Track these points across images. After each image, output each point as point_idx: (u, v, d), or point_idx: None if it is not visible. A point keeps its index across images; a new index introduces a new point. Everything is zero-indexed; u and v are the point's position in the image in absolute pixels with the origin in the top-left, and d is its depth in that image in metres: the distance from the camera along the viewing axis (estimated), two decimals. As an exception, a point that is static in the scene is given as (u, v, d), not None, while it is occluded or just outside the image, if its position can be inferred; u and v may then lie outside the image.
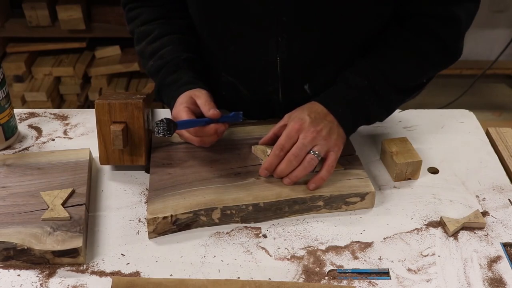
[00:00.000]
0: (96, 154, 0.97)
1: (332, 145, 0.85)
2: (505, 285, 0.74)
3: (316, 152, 0.84)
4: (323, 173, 0.85)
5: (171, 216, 0.80)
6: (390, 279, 0.75)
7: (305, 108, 0.89)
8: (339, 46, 0.94)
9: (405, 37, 0.92)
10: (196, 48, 1.02)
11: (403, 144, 0.94)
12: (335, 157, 0.86)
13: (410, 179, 0.92)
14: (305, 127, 0.85)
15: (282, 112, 0.93)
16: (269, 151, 0.87)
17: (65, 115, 1.10)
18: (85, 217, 0.81)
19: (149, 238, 0.81)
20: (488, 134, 1.04)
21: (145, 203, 0.87)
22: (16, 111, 1.05)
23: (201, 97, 0.90)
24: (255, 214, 0.83)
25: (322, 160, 0.85)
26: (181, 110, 0.89)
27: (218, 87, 1.02)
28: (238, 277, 0.75)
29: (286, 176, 0.85)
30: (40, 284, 0.74)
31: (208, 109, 0.88)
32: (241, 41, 0.95)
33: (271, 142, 0.89)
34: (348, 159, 0.91)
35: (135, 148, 0.90)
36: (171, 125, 0.82)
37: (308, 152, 0.84)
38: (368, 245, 0.80)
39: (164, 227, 0.81)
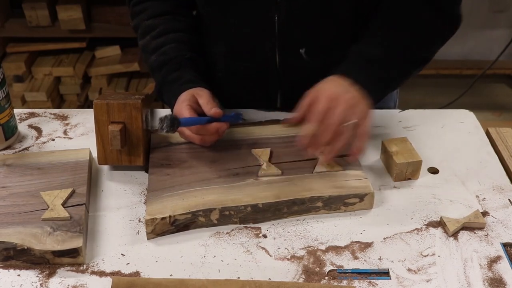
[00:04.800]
0: (95, 154, 0.97)
1: (363, 114, 0.84)
2: (505, 285, 0.74)
3: (350, 122, 0.82)
4: (358, 143, 0.84)
5: (170, 217, 0.80)
6: (390, 279, 0.75)
7: (329, 81, 0.88)
8: (338, 10, 0.95)
9: (402, 10, 0.93)
10: (199, 49, 1.03)
11: (403, 144, 0.94)
12: (367, 126, 0.84)
13: (410, 179, 0.92)
14: (337, 98, 0.83)
15: (278, 85, 0.96)
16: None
17: (65, 115, 1.10)
18: (85, 217, 0.81)
19: (148, 239, 0.81)
20: (488, 134, 1.04)
21: (144, 203, 0.87)
22: (16, 111, 1.05)
23: (203, 96, 0.91)
24: (253, 215, 0.83)
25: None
26: (183, 108, 0.89)
27: (214, 67, 1.04)
28: (238, 277, 0.75)
29: (327, 151, 0.84)
30: (40, 284, 0.74)
31: (210, 107, 0.88)
32: (240, 3, 0.96)
33: (300, 122, 0.88)
34: (347, 160, 0.91)
35: (133, 148, 0.90)
36: (175, 122, 0.82)
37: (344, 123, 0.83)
38: (368, 245, 0.80)
39: (163, 228, 0.81)
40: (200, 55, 1.02)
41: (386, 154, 0.94)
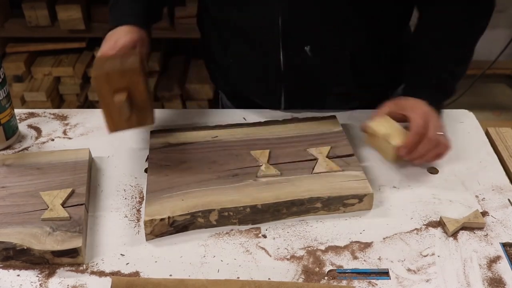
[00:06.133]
0: (95, 154, 0.97)
1: (442, 126, 0.94)
2: (505, 285, 0.74)
3: (440, 134, 0.91)
4: (442, 150, 0.92)
5: (169, 218, 0.80)
6: (390, 279, 0.75)
7: (421, 105, 0.93)
8: (341, 8, 0.96)
9: (439, 20, 0.99)
10: None
11: (388, 124, 0.94)
12: (446, 136, 0.94)
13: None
14: (428, 113, 0.91)
15: (282, 82, 1.01)
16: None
17: (65, 115, 1.10)
18: (84, 217, 0.81)
19: (147, 240, 0.81)
20: (488, 134, 1.04)
21: (141, 203, 0.87)
22: (15, 111, 1.05)
23: (142, 49, 0.94)
24: (252, 216, 0.83)
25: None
26: (122, 43, 0.91)
27: (226, 54, 1.08)
28: (238, 277, 0.75)
29: (422, 159, 0.91)
30: (40, 284, 0.74)
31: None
32: (243, 4, 0.98)
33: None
34: (346, 161, 0.91)
35: (141, 110, 0.87)
36: None
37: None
38: (367, 245, 0.80)
39: (162, 229, 0.80)
40: None
41: (376, 138, 0.94)
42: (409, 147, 0.90)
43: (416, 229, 0.83)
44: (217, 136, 0.98)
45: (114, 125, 0.87)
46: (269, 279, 0.75)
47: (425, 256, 0.78)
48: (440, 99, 0.99)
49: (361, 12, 0.97)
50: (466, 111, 1.11)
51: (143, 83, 0.85)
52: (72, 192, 0.85)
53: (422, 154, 0.91)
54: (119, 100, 0.83)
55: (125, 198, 0.89)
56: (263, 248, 0.79)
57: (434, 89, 0.98)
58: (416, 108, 0.93)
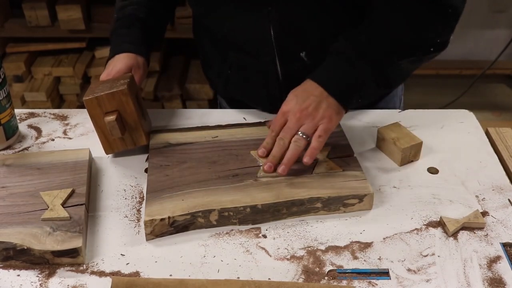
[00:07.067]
0: (95, 154, 0.97)
1: (319, 118, 0.87)
2: (505, 285, 0.74)
3: (303, 132, 0.87)
4: (313, 143, 0.87)
5: (169, 218, 0.80)
6: (390, 279, 0.75)
7: (297, 88, 0.91)
8: (329, 11, 0.96)
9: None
10: (160, 13, 1.11)
11: (398, 129, 0.97)
12: (325, 127, 0.87)
13: (412, 161, 0.95)
14: (291, 109, 0.88)
15: (281, 90, 0.98)
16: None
17: (65, 115, 1.10)
18: (84, 217, 0.81)
19: (147, 240, 0.81)
20: (488, 134, 1.04)
21: (141, 203, 0.87)
22: (16, 111, 1.05)
23: (136, 75, 0.99)
24: (252, 216, 0.83)
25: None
26: (116, 70, 0.97)
27: (224, 65, 1.09)
28: (238, 277, 0.75)
29: (281, 163, 0.87)
30: (40, 284, 0.74)
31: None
32: (234, 17, 0.99)
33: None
34: (346, 161, 0.91)
35: (133, 130, 0.93)
36: None
37: (295, 134, 0.87)
38: (367, 245, 0.80)
39: (162, 229, 0.80)
40: (157, 18, 1.10)
41: (385, 141, 0.96)
42: (262, 148, 0.89)
43: (416, 229, 0.83)
44: (217, 136, 0.98)
45: (110, 147, 0.94)
46: (269, 279, 0.75)
47: (425, 256, 0.78)
48: (346, 83, 0.90)
49: (352, 15, 0.97)
50: (466, 111, 1.11)
51: (132, 104, 0.90)
52: (72, 192, 0.85)
53: (274, 158, 0.87)
54: (109, 120, 0.88)
55: (125, 198, 0.89)
56: (263, 248, 0.79)
57: (332, 60, 0.91)
58: (285, 102, 0.90)
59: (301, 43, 0.99)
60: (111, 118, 0.89)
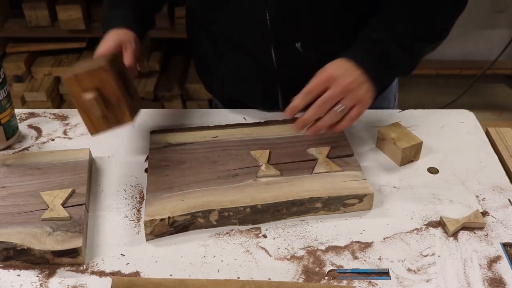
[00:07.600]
0: (95, 154, 0.97)
1: (359, 99, 0.86)
2: (505, 285, 0.74)
3: (343, 108, 0.85)
4: (343, 123, 0.86)
5: (169, 218, 0.80)
6: (390, 279, 0.75)
7: (334, 63, 0.88)
8: (329, 2, 0.95)
9: None
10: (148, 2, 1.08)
11: (398, 129, 0.97)
12: (359, 111, 0.86)
13: (412, 161, 0.95)
14: (337, 77, 0.85)
15: (277, 81, 0.99)
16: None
17: (65, 115, 1.10)
18: (85, 217, 0.81)
19: (147, 240, 0.81)
20: (488, 134, 1.04)
21: (141, 203, 0.87)
22: (15, 111, 1.05)
23: (128, 49, 0.95)
24: (252, 216, 0.83)
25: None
26: (106, 47, 0.93)
27: (219, 64, 1.08)
28: (238, 277, 0.75)
29: (311, 125, 0.86)
30: (40, 284, 0.74)
31: (128, 64, 0.93)
32: (231, 4, 0.98)
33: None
34: (346, 161, 0.91)
35: (116, 109, 0.87)
36: None
37: (335, 105, 0.85)
38: (368, 245, 0.80)
39: (162, 229, 0.80)
40: (147, 3, 1.07)
41: (386, 141, 0.97)
42: (290, 109, 0.85)
43: (416, 229, 0.83)
44: (217, 136, 0.98)
45: (94, 127, 0.88)
46: (269, 279, 0.75)
47: (425, 256, 0.78)
48: (378, 66, 0.90)
49: (349, 5, 0.97)
50: (466, 111, 1.11)
51: (113, 81, 0.85)
52: (72, 192, 0.85)
53: (307, 120, 0.85)
54: (88, 98, 0.84)
55: (125, 198, 0.89)
56: (263, 248, 0.79)
57: (370, 46, 0.91)
58: (325, 71, 0.86)
59: (296, 32, 0.99)
60: (90, 96, 0.84)
